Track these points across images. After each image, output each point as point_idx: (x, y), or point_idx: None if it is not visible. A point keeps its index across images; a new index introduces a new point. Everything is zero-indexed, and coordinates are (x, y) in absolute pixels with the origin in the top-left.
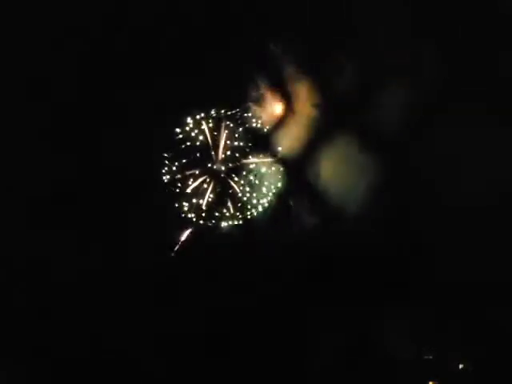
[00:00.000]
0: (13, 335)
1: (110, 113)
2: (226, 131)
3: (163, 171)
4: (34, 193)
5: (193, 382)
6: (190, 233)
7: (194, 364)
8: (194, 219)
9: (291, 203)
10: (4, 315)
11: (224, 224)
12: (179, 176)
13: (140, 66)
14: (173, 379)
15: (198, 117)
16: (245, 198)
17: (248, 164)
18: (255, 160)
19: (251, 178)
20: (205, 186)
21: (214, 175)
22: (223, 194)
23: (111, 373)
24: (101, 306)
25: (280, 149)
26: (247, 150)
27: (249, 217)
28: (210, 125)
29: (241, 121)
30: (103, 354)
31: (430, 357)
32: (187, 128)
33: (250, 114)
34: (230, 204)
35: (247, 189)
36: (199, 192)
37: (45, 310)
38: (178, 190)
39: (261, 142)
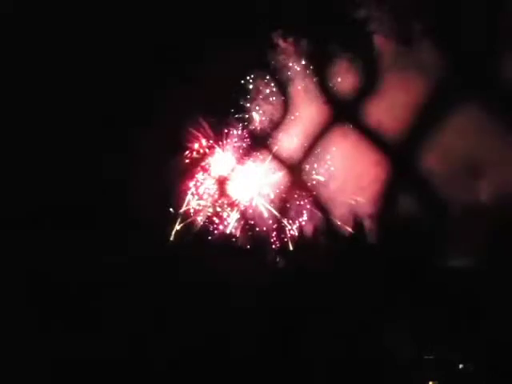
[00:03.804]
0: (12, 335)
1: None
2: None
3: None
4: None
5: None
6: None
7: (193, 365)
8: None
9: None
10: (4, 315)
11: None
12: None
13: None
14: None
15: None
16: None
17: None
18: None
19: None
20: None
21: None
22: None
23: (112, 373)
24: (101, 306)
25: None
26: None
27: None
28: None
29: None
30: (104, 354)
31: (430, 357)
32: None
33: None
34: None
35: None
36: None
37: (44, 309)
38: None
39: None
